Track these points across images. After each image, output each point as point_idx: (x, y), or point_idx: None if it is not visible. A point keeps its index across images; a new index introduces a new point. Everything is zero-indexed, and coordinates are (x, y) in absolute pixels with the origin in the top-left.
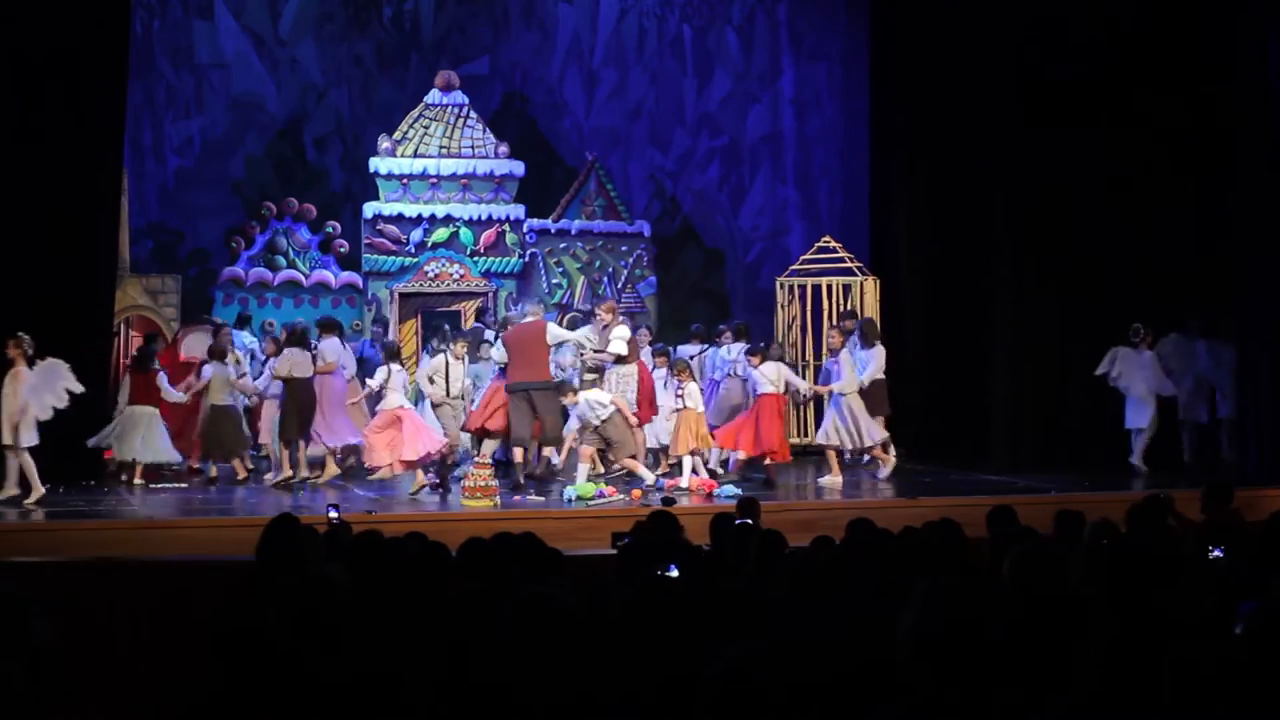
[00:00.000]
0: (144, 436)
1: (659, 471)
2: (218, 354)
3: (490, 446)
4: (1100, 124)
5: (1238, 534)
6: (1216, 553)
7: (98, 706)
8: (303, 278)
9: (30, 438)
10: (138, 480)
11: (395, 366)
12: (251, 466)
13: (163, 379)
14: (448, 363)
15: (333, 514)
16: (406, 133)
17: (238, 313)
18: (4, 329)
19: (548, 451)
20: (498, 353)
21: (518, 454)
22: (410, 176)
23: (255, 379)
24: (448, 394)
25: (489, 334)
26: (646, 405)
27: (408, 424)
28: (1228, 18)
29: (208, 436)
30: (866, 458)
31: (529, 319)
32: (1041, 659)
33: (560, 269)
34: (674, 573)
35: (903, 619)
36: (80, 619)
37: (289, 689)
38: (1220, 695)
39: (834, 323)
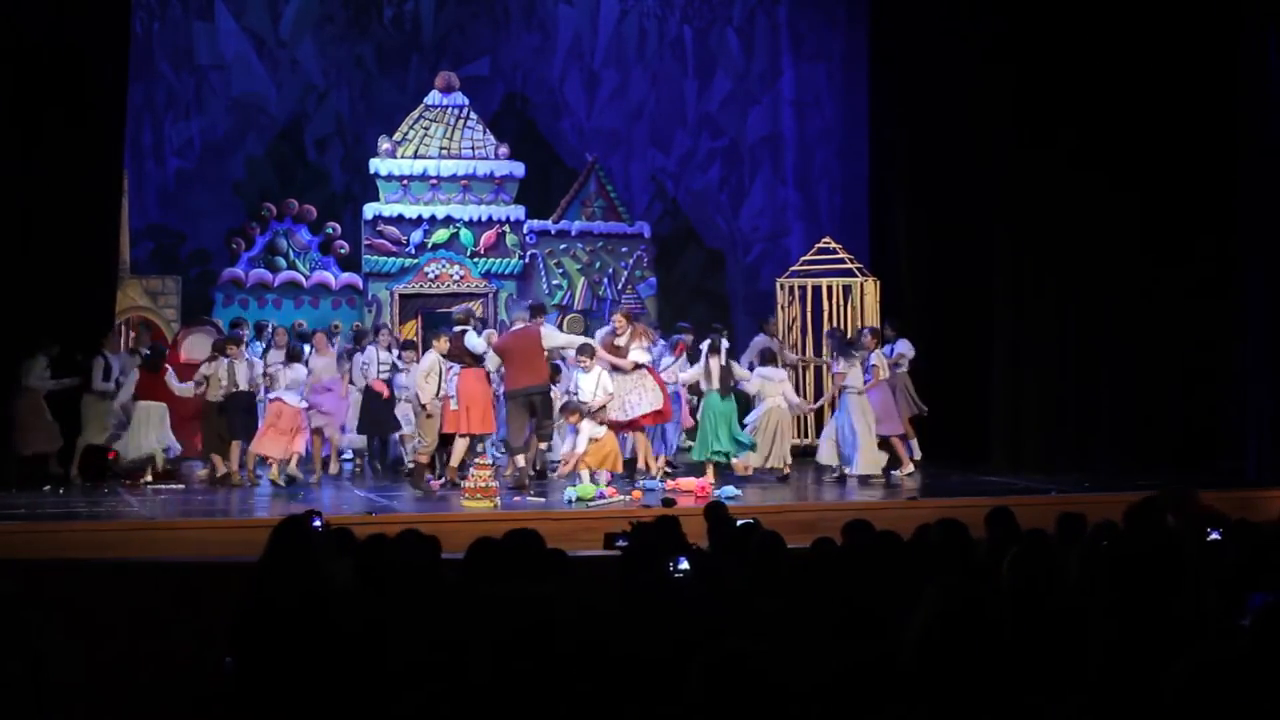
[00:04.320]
0: (158, 431)
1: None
2: (220, 350)
3: (463, 445)
4: (1101, 123)
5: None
6: (1215, 535)
7: (98, 707)
8: (303, 279)
9: None
10: (154, 475)
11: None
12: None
13: (171, 376)
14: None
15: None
16: (407, 134)
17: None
18: (5, 330)
19: (542, 446)
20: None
21: (520, 460)
22: (410, 178)
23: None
24: (437, 394)
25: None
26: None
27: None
28: (1228, 18)
29: (206, 432)
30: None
31: (519, 325)
32: (1041, 660)
33: (560, 270)
34: (684, 565)
35: (912, 619)
36: (80, 619)
37: (297, 688)
38: (1224, 693)
39: (833, 325)
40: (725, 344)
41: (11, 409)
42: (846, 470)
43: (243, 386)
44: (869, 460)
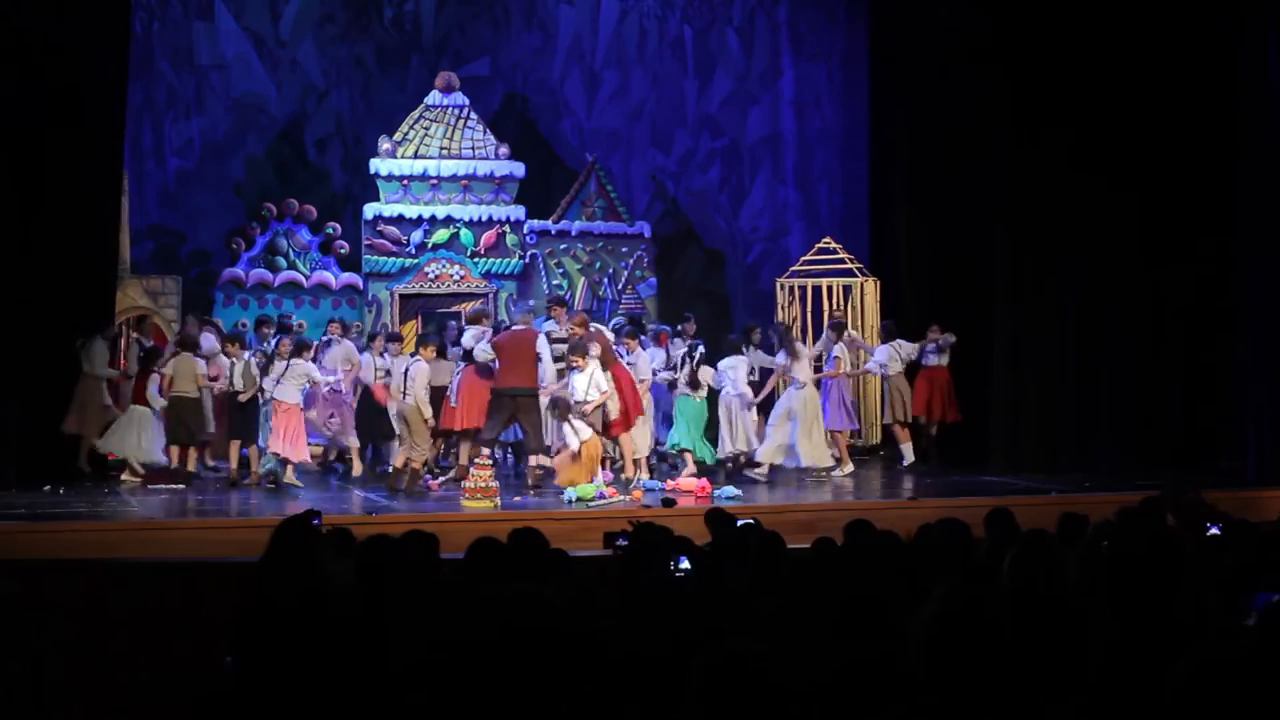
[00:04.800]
0: (138, 435)
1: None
2: (188, 345)
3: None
4: (1101, 122)
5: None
6: (1214, 529)
7: (98, 707)
8: (303, 279)
9: None
10: (125, 477)
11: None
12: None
13: (152, 383)
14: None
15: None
16: (407, 134)
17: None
18: (5, 330)
19: (534, 460)
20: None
21: (483, 452)
22: (410, 178)
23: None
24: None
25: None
26: (629, 411)
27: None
28: (1229, 17)
29: (168, 423)
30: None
31: (519, 326)
32: (1041, 660)
33: (561, 270)
34: (685, 564)
35: (915, 619)
36: (80, 619)
37: (297, 688)
38: (1228, 693)
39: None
40: (701, 350)
41: (73, 392)
42: (788, 464)
43: (238, 386)
44: (813, 453)
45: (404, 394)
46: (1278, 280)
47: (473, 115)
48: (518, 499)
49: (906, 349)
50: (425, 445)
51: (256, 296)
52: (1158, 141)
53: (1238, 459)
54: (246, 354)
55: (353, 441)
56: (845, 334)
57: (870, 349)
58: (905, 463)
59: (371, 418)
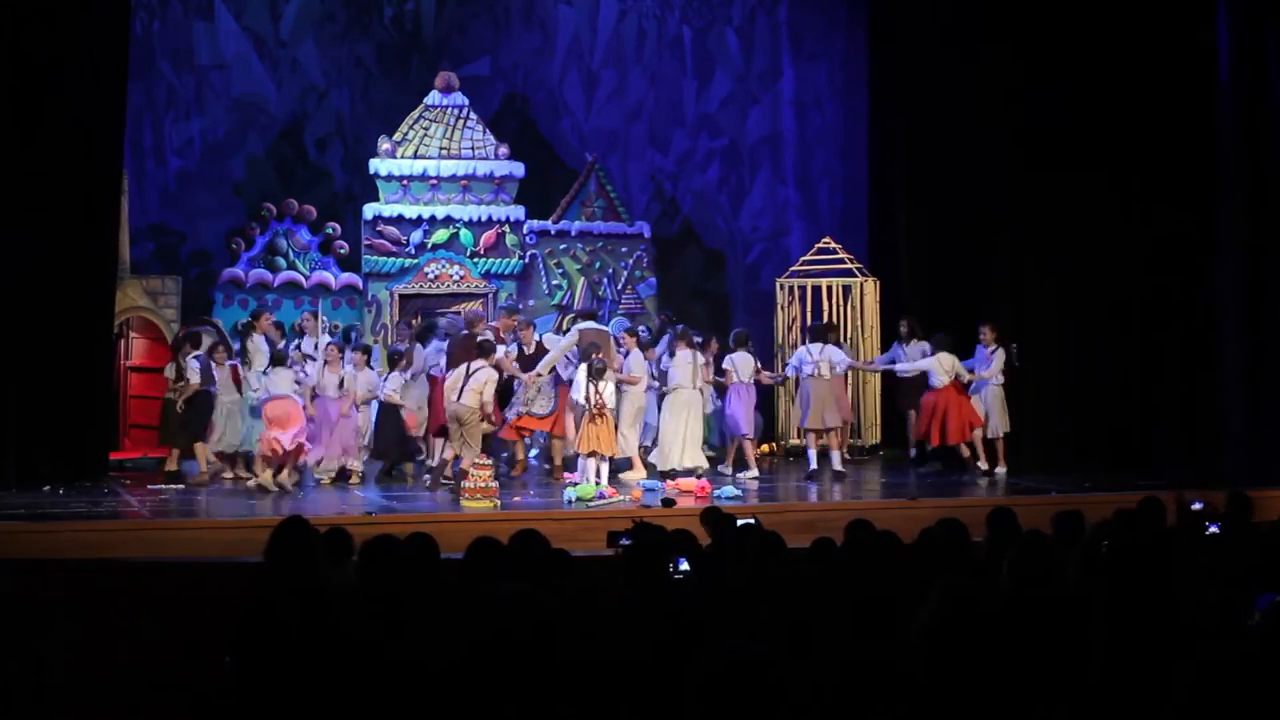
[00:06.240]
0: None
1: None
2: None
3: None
4: (1102, 123)
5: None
6: (1213, 528)
7: (98, 707)
8: (303, 279)
9: None
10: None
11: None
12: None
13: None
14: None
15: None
16: (407, 134)
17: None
18: (5, 330)
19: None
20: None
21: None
22: (410, 178)
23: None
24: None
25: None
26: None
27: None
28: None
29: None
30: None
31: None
32: (1041, 660)
33: (560, 270)
34: (684, 566)
35: (915, 619)
36: (80, 619)
37: (297, 688)
38: (1233, 693)
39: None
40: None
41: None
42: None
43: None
44: (667, 454)
45: (459, 394)
46: (1256, 280)
47: (472, 115)
48: (517, 499)
49: (829, 353)
50: (478, 447)
51: (256, 297)
52: (1159, 141)
53: (1236, 459)
54: (190, 356)
55: (355, 464)
56: (748, 345)
57: (772, 372)
58: (811, 468)
59: (393, 435)
